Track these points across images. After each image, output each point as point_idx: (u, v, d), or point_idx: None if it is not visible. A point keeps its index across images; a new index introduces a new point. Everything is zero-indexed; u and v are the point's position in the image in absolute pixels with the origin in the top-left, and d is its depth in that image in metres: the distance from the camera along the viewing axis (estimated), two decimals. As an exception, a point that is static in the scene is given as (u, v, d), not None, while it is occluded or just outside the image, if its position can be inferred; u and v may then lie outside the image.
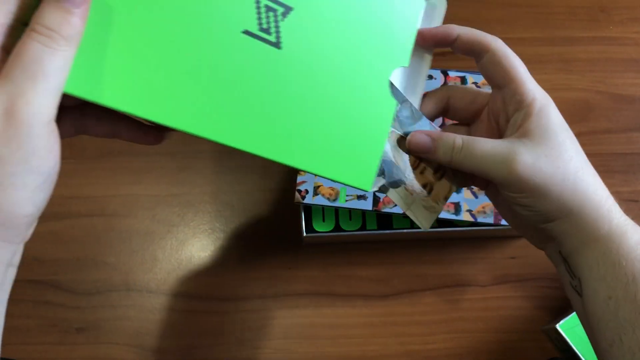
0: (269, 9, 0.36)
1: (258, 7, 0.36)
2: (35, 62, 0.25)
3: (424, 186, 0.37)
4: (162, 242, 0.62)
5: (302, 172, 0.57)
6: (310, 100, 0.38)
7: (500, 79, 0.35)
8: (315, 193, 0.56)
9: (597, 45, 0.70)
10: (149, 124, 0.34)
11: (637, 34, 0.70)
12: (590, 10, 0.71)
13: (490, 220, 0.56)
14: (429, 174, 0.37)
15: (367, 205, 0.56)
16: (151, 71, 0.33)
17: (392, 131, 0.37)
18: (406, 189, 0.37)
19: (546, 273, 0.61)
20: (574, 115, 0.67)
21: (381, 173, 0.37)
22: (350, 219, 0.60)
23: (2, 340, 0.62)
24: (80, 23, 0.27)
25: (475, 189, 0.57)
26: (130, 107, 0.32)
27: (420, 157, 0.37)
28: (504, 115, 0.35)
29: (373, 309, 0.60)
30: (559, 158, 0.33)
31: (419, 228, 0.59)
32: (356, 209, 0.56)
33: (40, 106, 0.25)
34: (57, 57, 0.26)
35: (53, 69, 0.26)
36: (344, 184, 0.40)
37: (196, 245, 0.62)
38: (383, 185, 0.37)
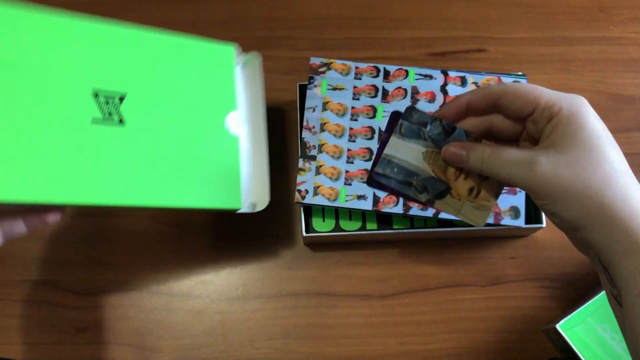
0: (107, 100, 0.48)
1: (98, 102, 0.48)
2: None
3: (471, 190, 0.40)
4: (162, 242, 0.62)
5: (302, 172, 0.57)
6: (163, 155, 0.49)
7: (525, 111, 0.36)
8: (315, 193, 0.56)
9: (597, 45, 0.70)
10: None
11: (637, 34, 0.70)
12: (590, 10, 0.71)
13: (490, 220, 0.56)
14: (474, 178, 0.39)
15: (367, 205, 0.56)
16: (23, 166, 0.43)
17: (426, 150, 0.40)
18: (452, 196, 0.40)
19: (546, 273, 0.61)
20: (573, 115, 0.67)
21: (424, 189, 0.40)
22: (350, 219, 0.60)
23: (2, 340, 0.63)
24: None
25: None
26: (16, 196, 0.42)
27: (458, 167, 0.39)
28: (539, 134, 0.36)
29: (373, 309, 0.60)
30: (582, 167, 0.33)
31: (419, 228, 0.59)
32: (356, 209, 0.56)
33: None
34: None
35: None
36: (218, 210, 0.52)
37: (196, 245, 0.62)
38: (429, 200, 0.40)
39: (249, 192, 0.54)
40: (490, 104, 0.37)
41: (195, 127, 0.52)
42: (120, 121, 0.48)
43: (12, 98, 0.44)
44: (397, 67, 0.60)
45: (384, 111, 0.59)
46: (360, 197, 0.56)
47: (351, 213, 0.60)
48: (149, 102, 0.50)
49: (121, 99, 0.48)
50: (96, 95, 0.47)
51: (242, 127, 0.55)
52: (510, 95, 0.36)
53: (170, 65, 0.52)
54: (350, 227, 0.59)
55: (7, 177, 0.42)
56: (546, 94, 0.35)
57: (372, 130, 0.58)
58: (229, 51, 0.55)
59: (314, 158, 0.57)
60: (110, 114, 0.48)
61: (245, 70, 0.57)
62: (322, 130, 0.58)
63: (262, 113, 0.56)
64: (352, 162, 0.57)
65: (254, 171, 0.55)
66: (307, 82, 0.60)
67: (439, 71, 0.60)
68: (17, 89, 0.44)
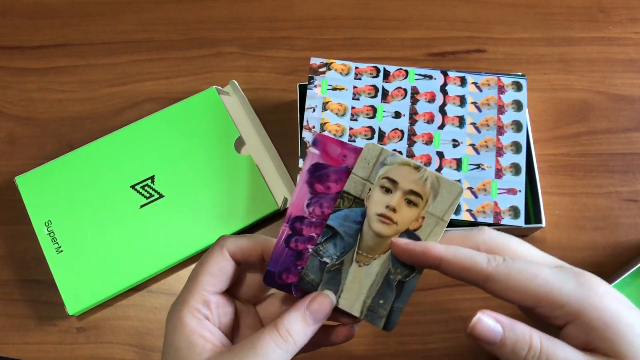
0: (143, 186, 0.60)
1: (136, 190, 0.60)
2: (262, 355, 0.29)
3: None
4: (162, 242, 0.62)
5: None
6: (201, 201, 0.60)
7: (521, 304, 0.30)
8: (315, 193, 0.56)
9: (597, 46, 0.70)
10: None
11: (637, 34, 0.70)
12: (590, 10, 0.72)
13: (490, 220, 0.56)
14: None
15: (367, 205, 0.56)
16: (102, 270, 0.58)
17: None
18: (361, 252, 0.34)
19: (546, 273, 0.61)
20: (573, 116, 0.67)
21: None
22: (350, 219, 0.60)
23: (2, 340, 0.63)
24: (310, 334, 0.31)
25: (475, 188, 0.57)
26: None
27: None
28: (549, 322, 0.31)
29: (373, 309, 0.60)
30: None
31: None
32: (356, 209, 0.56)
33: None
34: (281, 356, 0.30)
35: None
36: (261, 219, 0.61)
37: (196, 245, 0.62)
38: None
39: (281, 191, 0.62)
40: (472, 281, 0.31)
41: (213, 164, 0.61)
42: (161, 195, 0.60)
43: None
44: (397, 68, 0.60)
45: (384, 111, 0.59)
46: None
47: (351, 213, 0.60)
48: (173, 169, 0.61)
49: (152, 180, 0.60)
50: (133, 187, 0.60)
51: (250, 144, 0.63)
52: (500, 283, 0.30)
53: (175, 130, 0.62)
54: (350, 227, 0.59)
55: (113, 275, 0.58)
56: (549, 295, 0.29)
57: (372, 131, 0.58)
58: (212, 91, 0.64)
59: (314, 158, 0.57)
60: (151, 194, 0.60)
61: (232, 98, 0.65)
62: (322, 130, 0.58)
63: (259, 125, 0.64)
64: (352, 162, 0.57)
65: (278, 173, 0.62)
66: (307, 82, 0.60)
67: (438, 71, 0.60)
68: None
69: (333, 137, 0.33)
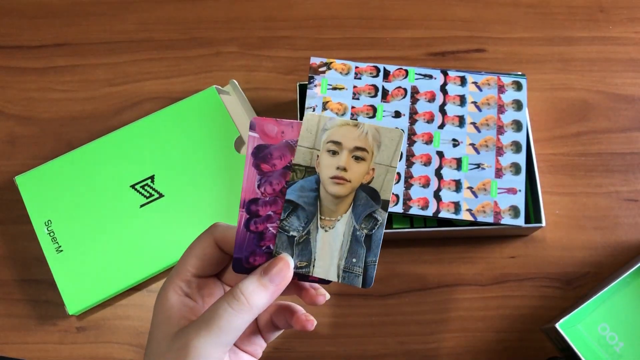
0: (143, 186, 0.60)
1: (136, 190, 0.60)
2: (217, 318, 0.31)
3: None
4: (162, 242, 0.62)
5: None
6: (201, 200, 0.60)
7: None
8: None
9: (597, 45, 0.70)
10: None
11: (637, 33, 0.70)
12: (590, 10, 0.71)
13: (490, 219, 0.56)
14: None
15: (367, 204, 0.56)
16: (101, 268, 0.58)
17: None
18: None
19: (545, 273, 0.61)
20: (573, 115, 0.67)
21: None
22: (350, 218, 0.60)
23: (3, 340, 0.63)
24: (268, 299, 0.32)
25: (475, 187, 0.57)
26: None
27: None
28: None
29: (373, 309, 0.60)
30: None
31: (419, 227, 0.59)
32: (356, 208, 0.56)
33: (208, 353, 0.30)
34: (236, 318, 0.31)
35: (229, 327, 0.31)
36: None
37: (196, 245, 0.62)
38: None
39: None
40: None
41: (213, 164, 0.61)
42: (161, 195, 0.60)
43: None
44: (397, 67, 0.60)
45: (384, 111, 0.59)
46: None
47: (351, 213, 0.60)
48: (173, 168, 0.61)
49: (152, 179, 0.60)
50: (133, 187, 0.60)
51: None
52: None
53: (175, 129, 0.62)
54: (350, 226, 0.59)
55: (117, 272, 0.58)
56: None
57: (372, 130, 0.58)
58: (212, 91, 0.64)
59: (314, 158, 0.57)
60: (151, 194, 0.60)
61: (232, 97, 0.65)
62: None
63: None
64: (352, 162, 0.57)
65: None
66: (307, 82, 0.60)
67: (438, 71, 0.60)
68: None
69: (266, 117, 0.34)
